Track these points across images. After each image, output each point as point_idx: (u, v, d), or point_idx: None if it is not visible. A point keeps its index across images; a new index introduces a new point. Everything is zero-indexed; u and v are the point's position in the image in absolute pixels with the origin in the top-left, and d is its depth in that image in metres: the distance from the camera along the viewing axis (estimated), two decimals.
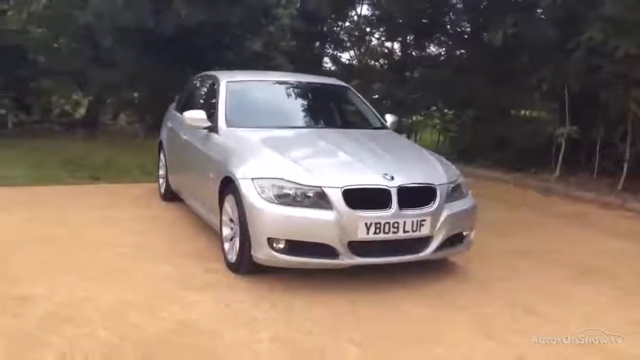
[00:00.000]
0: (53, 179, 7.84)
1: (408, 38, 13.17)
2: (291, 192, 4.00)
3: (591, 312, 3.94)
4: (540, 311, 3.91)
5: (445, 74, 11.15)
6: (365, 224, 3.95)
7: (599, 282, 4.56)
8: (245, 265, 4.21)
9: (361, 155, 4.50)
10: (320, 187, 3.98)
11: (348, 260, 4.01)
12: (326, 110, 5.70)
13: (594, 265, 5.03)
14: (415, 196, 4.15)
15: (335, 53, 15.16)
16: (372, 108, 5.80)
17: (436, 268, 4.57)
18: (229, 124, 5.05)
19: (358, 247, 4.00)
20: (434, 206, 4.17)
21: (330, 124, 5.35)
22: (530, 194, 8.51)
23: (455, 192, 4.47)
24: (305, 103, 5.66)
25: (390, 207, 4.01)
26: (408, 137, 14.15)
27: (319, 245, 3.97)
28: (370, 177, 4.12)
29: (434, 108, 12.62)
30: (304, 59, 15.33)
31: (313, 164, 4.32)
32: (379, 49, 14.09)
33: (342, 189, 3.97)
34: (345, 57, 15.48)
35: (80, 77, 12.40)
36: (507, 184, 9.27)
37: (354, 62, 14.79)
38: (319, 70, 15.25)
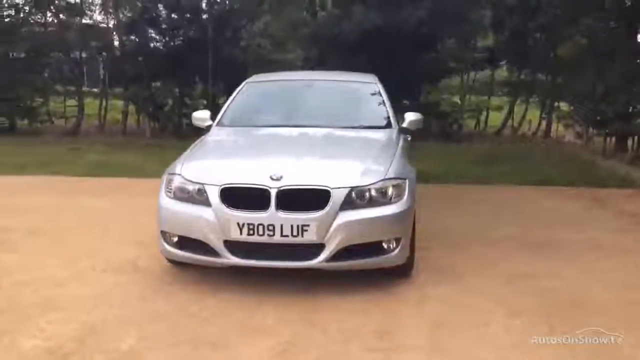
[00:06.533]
0: None
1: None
2: (188, 189, 4.12)
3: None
4: (392, 341, 3.36)
5: None
6: (238, 224, 3.86)
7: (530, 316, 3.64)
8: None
9: (282, 155, 4.42)
10: (202, 184, 4.02)
11: (226, 260, 3.96)
12: (323, 109, 5.40)
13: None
14: (308, 199, 3.86)
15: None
16: (387, 106, 5.34)
17: (370, 281, 4.22)
18: (220, 123, 5.30)
19: (236, 248, 3.93)
20: (322, 211, 3.82)
21: (313, 122, 5.04)
22: None
23: (380, 197, 3.99)
24: (307, 102, 5.47)
25: (268, 209, 3.83)
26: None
27: (201, 242, 4.01)
28: (253, 177, 3.98)
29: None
30: (515, 52, 14.20)
31: (216, 163, 4.44)
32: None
33: (221, 187, 3.94)
34: None
35: None
36: None
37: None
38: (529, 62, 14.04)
